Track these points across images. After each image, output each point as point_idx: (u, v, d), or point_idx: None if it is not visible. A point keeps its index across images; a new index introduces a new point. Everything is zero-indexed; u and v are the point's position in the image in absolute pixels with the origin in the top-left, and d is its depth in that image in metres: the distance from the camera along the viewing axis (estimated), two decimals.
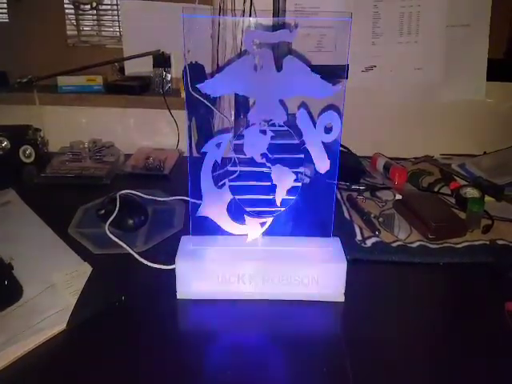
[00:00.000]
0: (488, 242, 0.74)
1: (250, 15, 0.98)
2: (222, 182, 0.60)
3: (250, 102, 0.64)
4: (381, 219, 0.80)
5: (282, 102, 0.57)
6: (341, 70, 0.59)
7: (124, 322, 0.56)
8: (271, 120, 0.57)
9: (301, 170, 0.60)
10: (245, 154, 0.58)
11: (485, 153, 1.09)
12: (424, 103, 1.16)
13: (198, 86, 0.55)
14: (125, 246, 0.69)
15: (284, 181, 0.60)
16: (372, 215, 0.81)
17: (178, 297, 0.60)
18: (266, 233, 0.62)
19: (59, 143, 1.12)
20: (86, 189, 0.93)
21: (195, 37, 0.57)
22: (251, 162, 0.59)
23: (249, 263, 0.60)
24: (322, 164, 0.59)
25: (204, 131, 0.86)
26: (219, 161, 0.58)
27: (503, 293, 0.64)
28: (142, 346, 0.52)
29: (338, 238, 0.65)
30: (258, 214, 0.61)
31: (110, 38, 1.25)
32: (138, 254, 0.68)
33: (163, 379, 0.48)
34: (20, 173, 1.03)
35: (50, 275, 0.62)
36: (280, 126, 0.58)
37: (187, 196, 0.62)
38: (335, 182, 0.61)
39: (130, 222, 0.75)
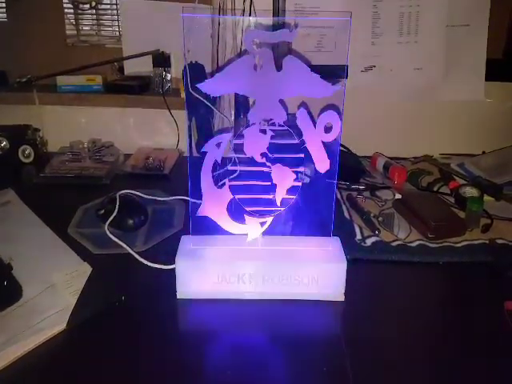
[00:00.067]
0: (487, 241, 0.74)
1: (250, 15, 0.97)
2: (221, 182, 0.60)
3: (250, 102, 0.64)
4: (380, 219, 0.80)
5: (281, 102, 0.57)
6: (340, 70, 0.59)
7: (124, 322, 0.56)
8: (271, 120, 0.57)
9: (301, 169, 0.60)
10: (245, 154, 0.58)
11: (484, 152, 1.10)
12: (423, 103, 1.16)
13: (197, 85, 0.55)
14: (125, 245, 0.69)
15: (284, 180, 0.60)
16: (372, 215, 0.81)
17: (178, 297, 0.60)
18: (266, 232, 0.62)
19: (59, 143, 1.12)
20: (86, 189, 0.93)
21: (195, 36, 0.57)
22: (251, 161, 0.59)
23: (249, 263, 0.60)
24: (322, 164, 0.59)
25: (204, 131, 0.86)
26: (219, 160, 0.58)
27: (503, 292, 0.64)
28: (141, 345, 0.52)
29: (337, 238, 0.65)
30: (258, 214, 0.61)
31: (110, 37, 1.24)
32: (138, 253, 0.68)
33: (163, 379, 0.48)
34: (19, 173, 1.03)
35: (50, 275, 0.62)
36: (280, 125, 0.58)
37: (187, 196, 0.62)
38: (335, 181, 0.61)
39: (130, 221, 0.75)
